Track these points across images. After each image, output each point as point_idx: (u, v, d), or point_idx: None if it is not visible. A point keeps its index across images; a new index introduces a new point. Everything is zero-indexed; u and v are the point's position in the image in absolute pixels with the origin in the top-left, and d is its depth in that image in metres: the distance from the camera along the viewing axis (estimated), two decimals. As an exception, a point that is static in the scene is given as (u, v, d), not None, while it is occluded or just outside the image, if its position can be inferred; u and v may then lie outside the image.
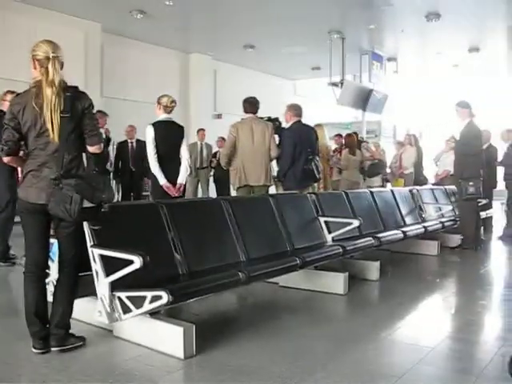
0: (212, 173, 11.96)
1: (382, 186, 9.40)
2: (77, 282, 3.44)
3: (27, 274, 3.36)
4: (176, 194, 5.42)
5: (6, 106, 5.48)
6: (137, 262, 3.05)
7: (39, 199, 3.23)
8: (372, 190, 7.12)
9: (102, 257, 3.31)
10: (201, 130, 11.92)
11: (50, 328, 3.35)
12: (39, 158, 3.26)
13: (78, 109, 3.28)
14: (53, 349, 3.33)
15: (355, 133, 10.72)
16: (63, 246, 3.42)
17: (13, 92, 5.64)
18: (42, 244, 3.37)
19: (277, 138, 6.66)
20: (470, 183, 7.19)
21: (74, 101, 3.27)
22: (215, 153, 11.71)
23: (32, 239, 3.36)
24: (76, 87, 3.35)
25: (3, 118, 5.30)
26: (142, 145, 6.97)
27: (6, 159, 3.39)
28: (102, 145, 3.51)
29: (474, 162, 7.27)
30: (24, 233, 3.38)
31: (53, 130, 3.18)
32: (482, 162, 7.47)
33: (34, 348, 3.31)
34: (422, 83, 18.32)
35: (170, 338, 3.36)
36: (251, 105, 6.50)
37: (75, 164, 3.32)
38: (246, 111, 6.53)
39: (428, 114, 18.91)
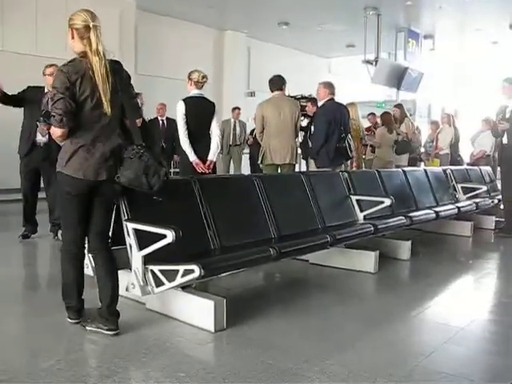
0: (246, 150, 11.94)
1: (410, 165, 9.25)
2: None
3: (68, 253, 3.32)
4: (206, 171, 5.39)
5: (49, 81, 5.52)
6: (169, 236, 3.10)
7: (99, 176, 3.16)
8: (405, 169, 7.04)
9: (136, 231, 3.37)
10: (236, 109, 11.92)
11: (102, 310, 3.28)
12: (92, 131, 3.14)
13: (122, 80, 3.24)
14: (108, 332, 3.26)
15: (400, 105, 10.53)
16: (104, 221, 3.37)
17: (52, 65, 5.71)
18: (84, 224, 3.30)
19: (304, 121, 6.61)
20: None
21: (119, 72, 3.23)
22: (252, 130, 11.68)
23: (76, 219, 3.27)
24: (115, 60, 3.28)
25: (46, 95, 5.39)
26: (172, 122, 6.99)
27: (62, 132, 3.10)
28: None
29: None
30: (66, 212, 3.32)
31: (106, 101, 3.09)
32: None
33: (70, 318, 3.38)
34: (459, 61, 17.93)
35: (201, 312, 3.43)
36: (275, 83, 6.47)
37: (122, 137, 3.29)
38: (271, 90, 6.50)
39: (464, 93, 18.52)
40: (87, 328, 3.29)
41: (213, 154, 5.50)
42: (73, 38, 3.14)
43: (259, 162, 6.53)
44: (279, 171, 6.36)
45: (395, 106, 10.25)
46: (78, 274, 3.33)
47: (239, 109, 11.92)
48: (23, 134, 5.91)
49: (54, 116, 3.06)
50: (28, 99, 5.77)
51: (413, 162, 10.48)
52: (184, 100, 5.44)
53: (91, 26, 3.09)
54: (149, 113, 9.65)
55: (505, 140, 6.91)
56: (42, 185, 6.09)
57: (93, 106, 3.09)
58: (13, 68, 8.80)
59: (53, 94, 3.07)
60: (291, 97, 7.90)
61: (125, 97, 3.27)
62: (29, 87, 5.85)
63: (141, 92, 8.58)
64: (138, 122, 3.40)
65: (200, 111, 5.46)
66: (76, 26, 3.11)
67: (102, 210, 3.34)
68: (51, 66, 5.67)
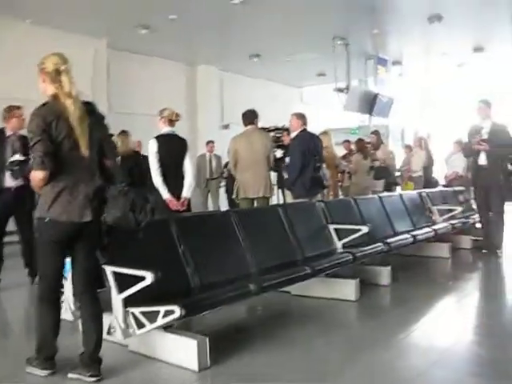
0: (223, 183, 11.98)
1: (386, 191, 9.37)
2: None
3: (47, 301, 3.23)
4: (180, 208, 5.36)
5: (12, 124, 5.52)
6: (148, 277, 3.10)
7: (84, 217, 3.11)
8: (381, 195, 7.13)
9: (115, 273, 3.36)
10: (210, 143, 12.01)
11: (84, 356, 3.23)
12: (73, 173, 3.11)
13: (98, 121, 3.26)
14: (90, 379, 3.19)
15: (377, 131, 10.71)
16: (89, 264, 3.30)
17: (19, 107, 5.64)
18: (62, 270, 3.28)
19: (278, 152, 6.69)
20: None
21: (93, 113, 3.24)
22: (226, 163, 11.74)
23: (56, 268, 3.23)
24: (87, 102, 3.28)
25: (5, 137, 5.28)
26: (147, 159, 6.93)
27: (44, 174, 3.04)
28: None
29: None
30: (45, 260, 3.22)
31: (83, 143, 3.09)
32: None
33: (45, 369, 3.26)
34: (426, 85, 18.28)
35: (184, 351, 3.41)
36: (248, 117, 6.58)
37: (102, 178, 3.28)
38: (244, 124, 6.59)
39: (434, 116, 18.86)
40: (68, 375, 3.24)
41: (186, 191, 5.49)
42: (44, 81, 3.16)
43: (234, 196, 6.56)
44: (255, 204, 6.39)
45: (372, 133, 10.40)
46: (56, 320, 3.26)
47: (213, 142, 12.01)
48: None
49: (34, 159, 3.02)
50: None
51: (388, 186, 10.61)
52: (156, 138, 5.46)
53: (61, 69, 3.11)
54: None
55: (482, 161, 6.96)
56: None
57: (70, 147, 3.07)
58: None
59: (30, 138, 3.04)
60: (264, 128, 8.00)
61: (102, 137, 3.30)
62: None
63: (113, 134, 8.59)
64: (115, 162, 3.44)
65: (173, 148, 5.48)
66: (47, 70, 3.13)
67: (86, 253, 3.28)
68: (18, 108, 5.64)
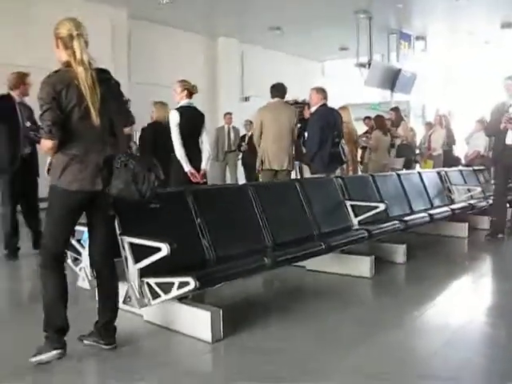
0: (240, 156, 11.97)
1: (405, 168, 9.29)
2: None
3: (50, 268, 3.12)
4: (200, 181, 5.40)
5: (20, 90, 5.55)
6: (164, 249, 3.12)
7: (95, 185, 3.06)
8: (399, 172, 7.07)
9: (131, 244, 3.39)
10: (227, 114, 11.96)
11: (100, 326, 3.26)
12: (84, 142, 3.05)
13: (111, 89, 3.16)
14: (105, 347, 3.24)
15: (396, 108, 10.58)
16: (107, 236, 3.29)
17: (27, 74, 5.62)
18: (68, 239, 3.27)
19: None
20: None
21: (107, 81, 3.15)
22: (243, 136, 11.71)
23: (63, 235, 3.17)
24: (102, 69, 3.18)
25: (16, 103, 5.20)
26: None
27: (52, 143, 3.00)
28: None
29: None
30: (54, 226, 3.14)
31: (94, 111, 3.00)
32: None
33: (55, 349, 3.07)
34: (451, 61, 17.98)
35: (197, 322, 3.44)
36: (277, 90, 6.57)
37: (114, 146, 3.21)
38: (272, 96, 6.58)
39: (457, 94, 18.57)
40: (84, 342, 3.30)
41: (205, 163, 5.53)
42: (58, 47, 3.10)
43: (259, 168, 6.55)
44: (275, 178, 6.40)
45: (391, 109, 10.27)
46: (63, 287, 3.14)
47: (230, 114, 11.95)
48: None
49: (42, 128, 3.00)
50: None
51: (407, 163, 10.52)
52: (178, 109, 5.45)
53: (74, 34, 3.02)
54: (142, 121, 9.67)
55: (510, 140, 6.78)
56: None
57: (80, 115, 3.01)
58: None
59: (40, 106, 2.98)
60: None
61: (115, 105, 3.21)
62: None
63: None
64: (130, 129, 3.39)
65: (192, 121, 5.49)
66: (61, 35, 3.06)
67: (100, 223, 3.26)
68: (27, 74, 5.66)
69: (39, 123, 3.13)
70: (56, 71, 3.04)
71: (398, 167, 9.13)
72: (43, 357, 3.04)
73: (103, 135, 3.14)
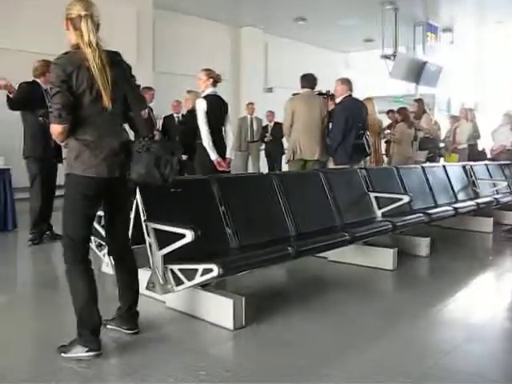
0: (263, 147, 11.95)
1: (429, 161, 9.18)
2: None
3: (79, 266, 3.00)
4: (227, 169, 5.44)
5: (47, 77, 5.41)
6: (188, 235, 3.12)
7: (112, 172, 2.96)
8: (423, 165, 7.00)
9: (156, 230, 3.41)
10: (250, 104, 11.93)
11: (122, 311, 3.26)
12: (97, 126, 2.94)
13: (122, 72, 3.05)
14: (127, 332, 3.26)
15: (420, 99, 10.44)
16: (125, 223, 3.30)
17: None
18: (90, 229, 3.10)
19: None
20: None
21: (119, 64, 3.03)
22: (266, 126, 11.69)
23: (84, 222, 3.02)
24: (114, 51, 3.06)
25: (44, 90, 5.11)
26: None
27: (62, 128, 2.88)
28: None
29: None
30: (74, 218, 3.01)
31: (106, 95, 2.88)
32: None
33: (91, 350, 2.92)
34: (479, 54, 17.72)
35: (220, 310, 3.46)
36: (308, 81, 6.54)
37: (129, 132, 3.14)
38: (302, 86, 6.55)
39: (485, 87, 18.30)
40: (107, 326, 3.32)
41: (230, 152, 5.57)
42: (68, 28, 2.97)
43: (290, 158, 6.53)
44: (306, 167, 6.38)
45: (415, 101, 10.15)
46: (93, 285, 3.02)
47: (253, 104, 11.91)
48: (34, 133, 5.71)
49: (51, 112, 2.87)
50: (31, 96, 5.62)
51: (431, 157, 10.40)
52: (205, 97, 5.46)
53: (83, 15, 2.89)
54: (166, 110, 9.70)
55: None
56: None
57: (92, 99, 2.88)
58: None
59: (49, 89, 2.89)
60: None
61: (127, 89, 3.08)
62: (23, 83, 5.70)
63: (152, 88, 8.63)
64: (144, 113, 3.24)
65: (217, 109, 5.51)
66: (71, 16, 2.93)
67: (121, 211, 3.24)
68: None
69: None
70: (66, 53, 2.93)
71: (421, 160, 9.02)
72: (78, 355, 2.92)
73: (117, 119, 3.06)
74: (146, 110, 3.28)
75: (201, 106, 5.41)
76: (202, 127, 5.41)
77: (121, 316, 3.30)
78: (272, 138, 11.22)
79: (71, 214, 3.02)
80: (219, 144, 5.47)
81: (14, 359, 3.04)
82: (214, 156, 5.40)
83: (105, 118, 2.95)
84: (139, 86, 3.27)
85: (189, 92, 7.63)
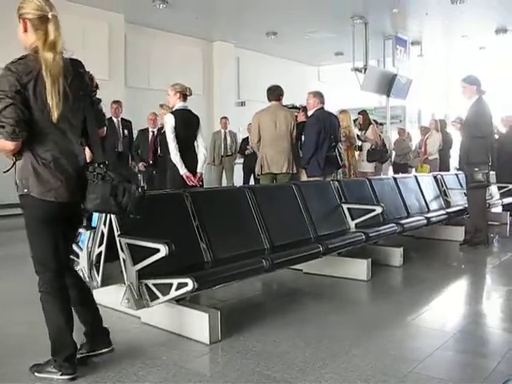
0: (241, 160, 11.89)
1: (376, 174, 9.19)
2: None
3: (53, 292, 2.80)
4: (196, 184, 5.42)
5: None
6: (162, 250, 3.11)
7: (73, 196, 2.72)
8: (395, 176, 7.10)
9: (129, 245, 3.39)
10: (223, 118, 11.97)
11: (87, 334, 3.10)
12: (57, 143, 2.68)
13: (83, 84, 2.79)
14: (103, 350, 3.13)
15: (364, 111, 10.39)
16: (70, 244, 3.10)
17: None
18: (59, 253, 2.85)
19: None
20: (476, 169, 6.37)
21: (79, 74, 2.76)
22: (246, 138, 11.59)
23: (55, 248, 2.80)
24: (76, 59, 2.79)
25: None
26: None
27: (15, 145, 2.57)
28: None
29: (480, 145, 6.37)
30: (41, 242, 2.78)
31: (54, 106, 2.58)
32: (490, 145, 6.62)
33: (69, 374, 2.82)
34: (447, 67, 18.07)
35: (195, 324, 3.45)
36: (273, 92, 6.58)
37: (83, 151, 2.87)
38: (269, 99, 6.60)
39: (454, 98, 18.64)
40: (80, 353, 3.08)
41: (201, 166, 5.56)
42: (25, 30, 2.65)
43: (258, 172, 6.55)
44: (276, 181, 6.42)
45: (359, 113, 10.03)
46: (68, 312, 2.88)
47: (226, 118, 11.94)
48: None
49: (3, 127, 2.52)
50: None
51: (403, 168, 10.55)
52: (173, 113, 5.47)
53: (50, 16, 2.60)
54: (138, 125, 9.69)
55: None
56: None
57: (48, 112, 2.60)
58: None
59: None
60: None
61: (86, 104, 2.81)
62: None
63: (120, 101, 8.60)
64: (103, 131, 3.00)
65: (187, 124, 5.50)
66: (28, 16, 2.62)
67: (73, 230, 3.07)
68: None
69: None
70: (21, 58, 2.60)
71: (369, 171, 9.05)
72: (51, 376, 2.81)
73: (75, 138, 2.79)
74: (104, 128, 3.04)
75: (168, 121, 5.42)
76: (169, 142, 5.40)
77: (89, 339, 3.11)
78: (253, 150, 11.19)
79: (37, 239, 2.78)
80: (190, 159, 5.47)
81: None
82: (182, 171, 5.40)
83: (65, 135, 2.72)
84: (100, 100, 2.98)
85: (161, 106, 7.63)
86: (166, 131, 5.44)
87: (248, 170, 11.52)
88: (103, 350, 3.13)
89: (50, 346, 2.85)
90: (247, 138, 11.51)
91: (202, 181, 5.68)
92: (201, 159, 5.56)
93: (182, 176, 5.41)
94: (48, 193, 2.66)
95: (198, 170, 5.52)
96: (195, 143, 5.59)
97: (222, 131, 11.87)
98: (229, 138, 11.89)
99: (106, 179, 2.70)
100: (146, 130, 9.52)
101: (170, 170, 5.56)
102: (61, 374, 2.81)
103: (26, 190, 2.67)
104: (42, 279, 2.81)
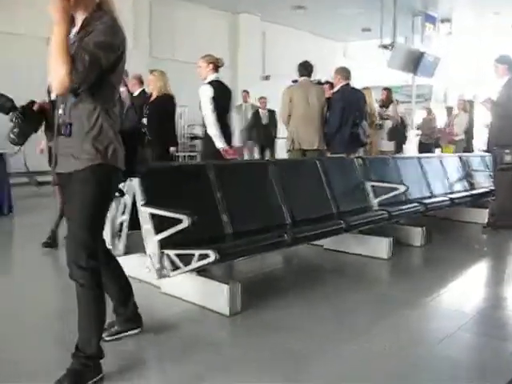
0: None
1: (397, 152, 9.06)
2: None
3: (99, 287, 2.51)
4: (234, 157, 5.28)
5: None
6: (185, 221, 3.13)
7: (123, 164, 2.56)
8: (420, 155, 7.01)
9: (152, 215, 3.41)
10: (244, 92, 11.88)
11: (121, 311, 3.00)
12: (118, 104, 2.60)
13: None
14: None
15: (388, 88, 10.23)
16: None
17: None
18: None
19: None
20: (507, 151, 6.22)
21: None
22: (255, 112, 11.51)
23: (103, 226, 2.63)
24: None
25: None
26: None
27: (66, 86, 2.24)
28: None
29: (510, 125, 6.18)
30: (97, 218, 2.50)
31: None
32: None
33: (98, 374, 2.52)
34: (477, 45, 17.66)
35: (215, 295, 3.46)
36: (307, 68, 6.47)
37: None
38: (301, 74, 6.49)
39: (483, 78, 18.27)
40: (106, 339, 2.87)
41: (236, 140, 5.47)
42: None
43: (289, 148, 6.47)
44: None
45: (384, 89, 9.88)
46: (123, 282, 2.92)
47: (247, 92, 11.84)
48: None
49: (84, 65, 2.24)
50: None
51: (428, 148, 10.41)
52: (210, 83, 5.24)
53: None
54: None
55: None
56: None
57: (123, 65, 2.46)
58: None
59: (102, 48, 2.30)
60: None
61: None
62: None
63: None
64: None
65: (222, 96, 5.31)
66: None
67: None
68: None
69: None
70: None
71: (390, 150, 8.93)
72: None
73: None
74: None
75: (206, 93, 5.18)
76: (208, 114, 5.19)
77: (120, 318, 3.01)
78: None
79: (100, 212, 2.52)
80: (225, 132, 5.28)
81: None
82: (221, 144, 5.19)
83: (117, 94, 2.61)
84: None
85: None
86: (203, 103, 5.21)
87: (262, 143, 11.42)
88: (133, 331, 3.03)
89: (90, 345, 2.51)
90: (257, 111, 11.38)
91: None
92: (235, 132, 5.46)
93: (215, 150, 5.21)
94: (121, 162, 2.52)
95: (234, 143, 5.40)
96: (228, 116, 5.42)
97: (244, 105, 11.80)
98: (249, 112, 11.82)
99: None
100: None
101: (206, 143, 5.39)
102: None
103: (102, 160, 2.40)
104: (90, 251, 2.43)
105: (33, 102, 2.86)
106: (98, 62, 2.27)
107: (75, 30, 2.40)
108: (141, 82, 7.08)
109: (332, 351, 2.95)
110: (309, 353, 2.91)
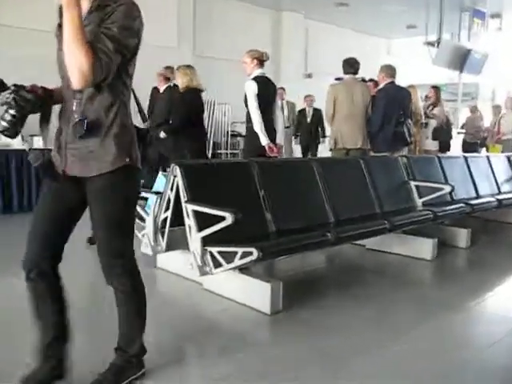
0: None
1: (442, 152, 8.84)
2: None
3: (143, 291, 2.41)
4: (278, 155, 5.23)
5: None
6: (229, 218, 3.13)
7: None
8: (466, 155, 6.85)
9: (195, 212, 3.43)
10: (280, 89, 11.77)
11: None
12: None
13: None
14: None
15: (437, 86, 10.00)
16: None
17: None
18: None
19: None
20: None
21: None
22: (302, 110, 11.42)
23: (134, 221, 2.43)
24: None
25: None
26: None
27: (86, 72, 1.94)
28: None
29: None
30: (131, 224, 2.35)
31: None
32: None
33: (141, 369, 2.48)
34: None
35: (257, 294, 3.47)
36: (353, 65, 6.37)
37: None
38: (346, 72, 6.41)
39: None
40: None
41: (281, 137, 5.41)
42: None
43: (332, 147, 6.41)
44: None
45: (432, 87, 9.66)
46: None
47: (283, 89, 11.74)
48: None
49: (106, 55, 2.00)
50: None
51: (473, 147, 10.16)
52: (254, 79, 5.20)
53: None
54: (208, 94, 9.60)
55: None
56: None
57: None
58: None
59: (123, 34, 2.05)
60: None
61: None
62: None
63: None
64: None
65: (267, 92, 5.27)
66: None
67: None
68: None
69: None
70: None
71: (433, 149, 8.73)
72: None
73: None
74: None
75: (251, 88, 5.14)
76: (253, 111, 5.15)
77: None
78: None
79: (133, 218, 2.38)
80: (269, 128, 5.23)
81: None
82: (265, 141, 5.14)
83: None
84: None
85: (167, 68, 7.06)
86: (249, 99, 5.18)
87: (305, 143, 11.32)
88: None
89: (135, 345, 2.45)
90: (303, 109, 11.33)
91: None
92: (280, 129, 5.41)
93: (261, 147, 5.16)
94: (139, 161, 2.31)
95: (278, 141, 5.36)
96: (272, 112, 5.38)
97: (279, 102, 11.70)
98: (286, 110, 11.71)
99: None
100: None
101: (250, 139, 5.36)
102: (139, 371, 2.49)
103: (128, 160, 2.20)
104: (125, 257, 2.31)
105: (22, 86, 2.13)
106: (122, 49, 2.04)
107: (85, 8, 2.09)
108: (166, 78, 7.16)
109: (373, 351, 2.92)
110: (349, 352, 2.89)
